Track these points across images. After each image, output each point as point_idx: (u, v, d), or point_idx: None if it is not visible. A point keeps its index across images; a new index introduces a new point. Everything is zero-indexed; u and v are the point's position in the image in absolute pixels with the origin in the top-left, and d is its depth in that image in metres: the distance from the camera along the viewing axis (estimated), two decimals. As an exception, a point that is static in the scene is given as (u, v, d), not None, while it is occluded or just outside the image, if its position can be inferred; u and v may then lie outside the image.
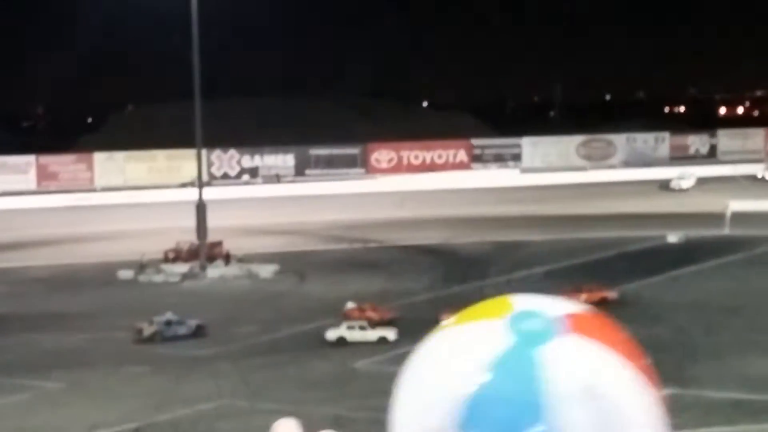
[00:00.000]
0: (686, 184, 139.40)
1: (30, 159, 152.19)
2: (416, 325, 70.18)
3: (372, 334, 67.59)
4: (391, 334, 67.50)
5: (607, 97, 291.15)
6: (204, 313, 75.99)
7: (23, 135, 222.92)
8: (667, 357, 61.68)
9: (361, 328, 67.94)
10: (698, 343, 65.44)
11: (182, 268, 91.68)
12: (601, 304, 73.17)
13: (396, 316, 71.81)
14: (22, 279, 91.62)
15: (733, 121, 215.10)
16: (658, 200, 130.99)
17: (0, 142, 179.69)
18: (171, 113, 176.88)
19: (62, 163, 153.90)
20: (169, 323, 70.43)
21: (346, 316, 72.23)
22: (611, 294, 76.60)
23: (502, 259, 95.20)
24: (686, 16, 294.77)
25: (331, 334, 67.66)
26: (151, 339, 69.26)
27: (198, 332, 70.99)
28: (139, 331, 69.92)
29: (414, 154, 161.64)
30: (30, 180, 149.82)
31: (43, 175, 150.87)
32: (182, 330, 70.44)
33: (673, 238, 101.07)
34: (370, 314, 71.81)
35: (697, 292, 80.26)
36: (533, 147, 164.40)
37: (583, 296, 74.30)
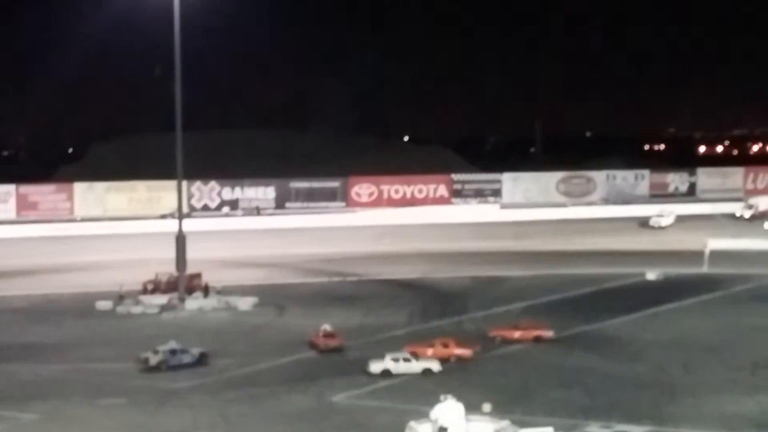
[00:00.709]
0: (665, 221, 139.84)
1: (10, 188, 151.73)
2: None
3: (417, 366, 67.28)
4: (435, 365, 67.53)
5: (588, 134, 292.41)
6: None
7: (3, 164, 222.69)
8: (645, 394, 62.09)
9: (405, 360, 67.58)
10: (676, 381, 65.37)
11: (161, 299, 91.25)
12: (537, 342, 73.90)
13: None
14: (0, 308, 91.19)
15: (712, 160, 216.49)
16: (638, 237, 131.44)
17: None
18: (152, 144, 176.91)
19: (42, 193, 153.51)
20: (173, 352, 70.40)
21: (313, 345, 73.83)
22: (546, 333, 76.31)
23: (481, 294, 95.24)
24: (667, 55, 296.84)
25: (376, 367, 67.10)
26: (158, 368, 69.19)
27: (201, 360, 71.00)
28: (145, 360, 69.77)
29: (394, 188, 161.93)
30: (9, 209, 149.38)
31: (22, 204, 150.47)
32: (186, 358, 70.48)
33: (651, 275, 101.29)
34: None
35: (676, 329, 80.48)
36: (513, 183, 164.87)
37: (518, 333, 74.95)
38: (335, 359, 71.77)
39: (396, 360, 67.45)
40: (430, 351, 69.79)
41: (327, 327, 76.14)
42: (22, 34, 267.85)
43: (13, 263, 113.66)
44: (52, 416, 59.02)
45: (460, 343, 71.46)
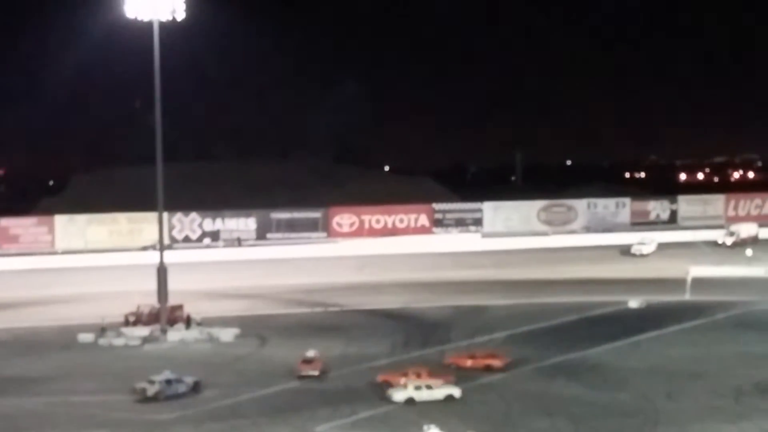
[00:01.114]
0: (647, 249, 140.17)
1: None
2: (376, 391, 70.20)
3: (439, 393, 68.05)
4: (456, 391, 68.38)
5: (568, 162, 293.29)
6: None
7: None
8: (629, 422, 62.13)
9: (428, 387, 68.22)
10: (660, 409, 65.48)
11: (143, 331, 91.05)
12: (487, 371, 74.14)
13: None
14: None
15: (693, 187, 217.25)
16: (619, 265, 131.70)
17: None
18: (132, 177, 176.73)
19: (23, 226, 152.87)
20: (169, 382, 70.53)
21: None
22: (496, 362, 76.12)
23: (463, 323, 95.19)
24: (647, 83, 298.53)
25: (399, 396, 67.53)
26: (155, 398, 69.22)
27: (196, 388, 71.23)
28: (143, 391, 69.75)
29: (375, 218, 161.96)
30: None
31: (3, 237, 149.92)
32: (182, 388, 70.71)
33: (634, 303, 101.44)
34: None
35: (659, 357, 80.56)
36: (494, 211, 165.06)
37: (470, 362, 74.93)
38: (317, 389, 71.61)
39: (418, 388, 67.74)
40: (402, 380, 69.87)
41: (309, 353, 76.80)
42: (0, 66, 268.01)
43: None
44: (35, 450, 58.81)
45: (432, 373, 71.38)
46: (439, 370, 73.38)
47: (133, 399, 69.58)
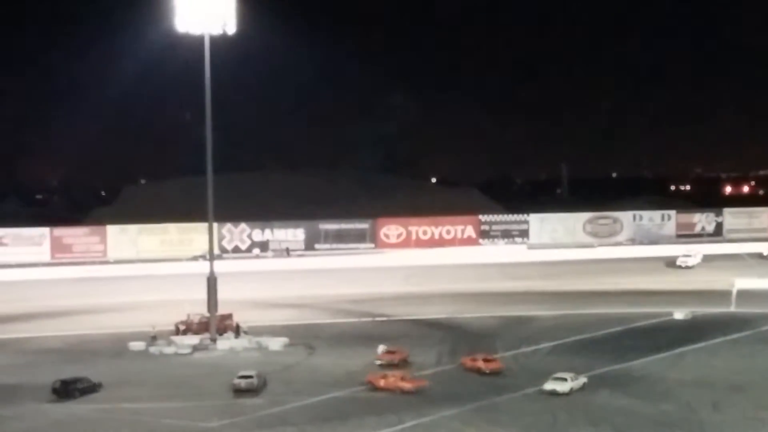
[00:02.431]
0: (692, 261, 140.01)
1: (44, 231, 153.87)
2: (422, 400, 70.96)
3: (577, 383, 73.79)
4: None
5: (614, 175, 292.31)
6: (212, 385, 76.78)
7: (37, 207, 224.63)
8: (673, 433, 62.41)
9: (572, 379, 73.67)
10: (705, 420, 65.80)
11: (193, 340, 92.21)
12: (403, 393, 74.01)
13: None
14: (35, 349, 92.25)
15: (738, 200, 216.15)
16: (665, 277, 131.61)
17: (15, 214, 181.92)
18: (182, 187, 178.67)
19: (76, 236, 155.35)
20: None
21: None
22: (407, 386, 74.58)
23: (509, 333, 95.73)
24: (692, 95, 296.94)
25: (548, 386, 73.32)
26: (255, 390, 74.67)
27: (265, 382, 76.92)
28: (238, 385, 74.91)
29: (422, 229, 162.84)
30: (44, 252, 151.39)
31: (57, 247, 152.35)
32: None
33: (679, 315, 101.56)
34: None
35: (704, 369, 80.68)
36: (540, 223, 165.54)
37: (383, 382, 75.47)
38: (364, 398, 72.44)
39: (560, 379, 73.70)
40: (382, 382, 74.33)
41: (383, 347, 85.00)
42: (55, 78, 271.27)
43: (47, 304, 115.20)
44: (87, 455, 59.96)
45: (405, 377, 75.49)
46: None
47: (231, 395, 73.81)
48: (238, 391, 74.38)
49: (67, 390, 73.97)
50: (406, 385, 74.61)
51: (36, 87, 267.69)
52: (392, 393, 73.24)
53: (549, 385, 73.49)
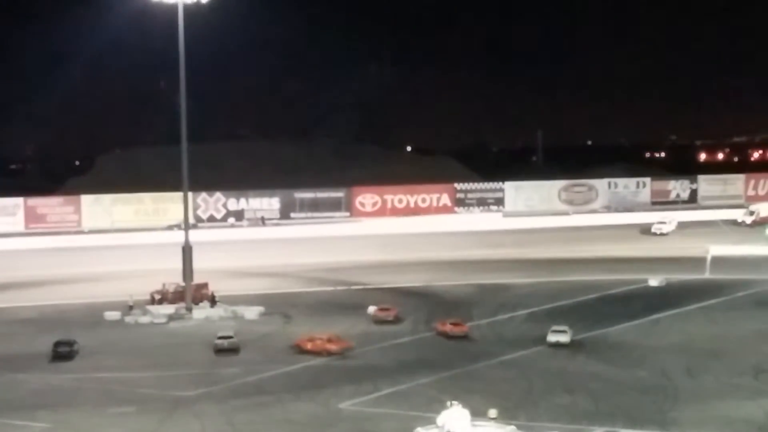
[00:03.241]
0: (667, 228, 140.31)
1: (18, 201, 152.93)
2: (398, 368, 71.16)
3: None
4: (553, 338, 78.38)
5: (589, 142, 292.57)
6: (188, 354, 76.75)
7: (11, 177, 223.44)
8: (649, 399, 62.78)
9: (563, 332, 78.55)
10: (680, 386, 66.12)
11: (168, 309, 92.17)
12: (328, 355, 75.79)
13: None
14: (9, 320, 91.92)
15: (713, 167, 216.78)
16: (640, 244, 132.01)
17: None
18: (157, 157, 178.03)
19: (50, 206, 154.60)
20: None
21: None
22: (333, 347, 76.59)
23: (485, 301, 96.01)
24: (666, 62, 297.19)
25: (552, 338, 77.84)
26: (234, 350, 77.58)
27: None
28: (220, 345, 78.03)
29: (398, 197, 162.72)
30: (18, 222, 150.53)
31: (31, 217, 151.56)
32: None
33: (654, 281, 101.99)
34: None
35: (679, 335, 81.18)
36: (516, 191, 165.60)
37: (310, 345, 77.02)
38: (340, 366, 72.55)
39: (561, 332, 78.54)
40: (309, 345, 76.62)
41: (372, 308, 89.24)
42: (27, 47, 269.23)
43: (22, 275, 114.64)
44: (62, 425, 59.86)
45: (334, 339, 77.30)
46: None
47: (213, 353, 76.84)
48: (221, 351, 76.96)
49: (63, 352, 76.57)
50: (333, 347, 76.40)
51: (8, 55, 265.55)
52: (320, 355, 75.29)
53: (552, 338, 77.44)
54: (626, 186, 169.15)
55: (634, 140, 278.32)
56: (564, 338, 77.59)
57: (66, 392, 67.27)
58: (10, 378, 71.02)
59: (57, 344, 77.34)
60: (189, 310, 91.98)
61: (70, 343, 77.93)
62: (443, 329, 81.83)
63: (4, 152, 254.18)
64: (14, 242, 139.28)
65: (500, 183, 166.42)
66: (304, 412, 61.74)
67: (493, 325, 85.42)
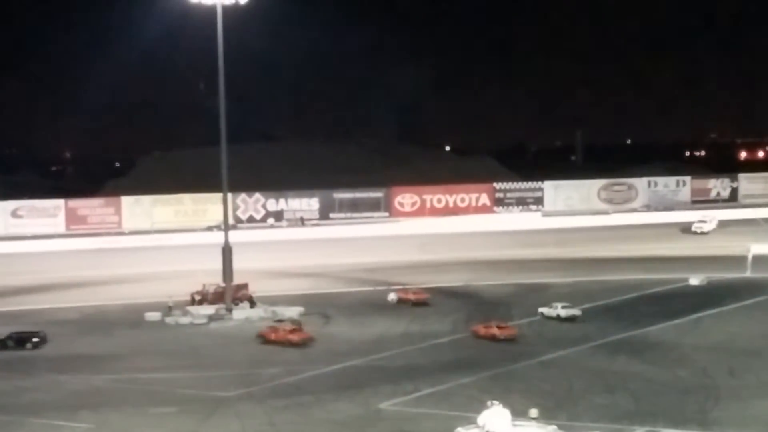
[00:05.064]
0: (708, 227, 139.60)
1: (59, 203, 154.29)
2: (437, 368, 70.99)
3: (553, 312, 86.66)
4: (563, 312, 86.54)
5: (628, 141, 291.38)
6: (228, 355, 76.99)
7: (52, 179, 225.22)
8: (690, 399, 62.27)
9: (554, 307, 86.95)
10: (721, 385, 65.51)
11: (208, 310, 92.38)
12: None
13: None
14: (51, 320, 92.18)
15: (753, 165, 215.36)
16: (680, 243, 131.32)
17: (30, 186, 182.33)
18: (197, 158, 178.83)
19: (91, 207, 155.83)
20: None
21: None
22: (294, 337, 79.79)
23: (524, 301, 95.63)
24: (708, 61, 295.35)
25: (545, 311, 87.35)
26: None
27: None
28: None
29: (437, 197, 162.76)
30: (59, 223, 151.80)
31: (72, 218, 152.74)
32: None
33: (695, 280, 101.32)
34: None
35: (720, 334, 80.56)
36: (555, 190, 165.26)
37: (273, 335, 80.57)
38: (380, 366, 72.54)
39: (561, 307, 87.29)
40: (273, 335, 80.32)
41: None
42: (66, 50, 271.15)
43: (63, 276, 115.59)
44: (103, 425, 60.04)
45: (295, 330, 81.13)
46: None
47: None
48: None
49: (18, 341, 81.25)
50: (294, 338, 79.02)
51: (51, 58, 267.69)
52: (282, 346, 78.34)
53: (559, 312, 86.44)
54: (666, 185, 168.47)
55: (674, 139, 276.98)
56: (569, 312, 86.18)
57: (107, 393, 67.47)
58: (52, 379, 71.41)
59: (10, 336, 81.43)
60: (229, 310, 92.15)
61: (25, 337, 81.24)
62: (489, 332, 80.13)
63: (45, 154, 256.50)
64: (55, 243, 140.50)
65: (539, 182, 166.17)
66: (344, 412, 61.68)
67: (532, 324, 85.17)
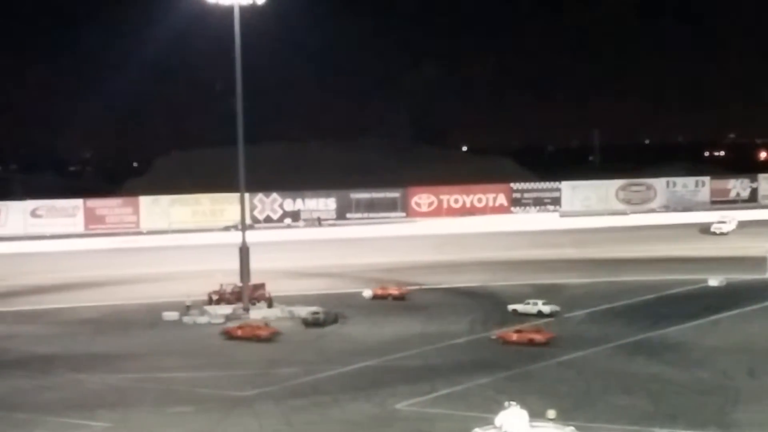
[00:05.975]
0: (727, 228, 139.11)
1: (78, 203, 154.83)
2: (454, 369, 70.84)
3: (533, 308, 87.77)
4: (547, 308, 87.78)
5: (647, 141, 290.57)
6: (245, 354, 77.00)
7: (70, 179, 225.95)
8: (709, 400, 61.97)
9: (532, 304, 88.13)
10: (741, 387, 65.18)
11: (226, 309, 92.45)
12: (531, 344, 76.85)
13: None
14: (69, 320, 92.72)
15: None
16: (699, 244, 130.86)
17: (49, 186, 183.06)
18: (214, 158, 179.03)
19: (109, 207, 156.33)
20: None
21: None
22: (539, 336, 77.90)
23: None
24: (727, 60, 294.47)
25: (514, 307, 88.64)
26: (322, 323, 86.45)
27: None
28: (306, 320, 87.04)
29: (454, 197, 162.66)
30: (78, 223, 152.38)
31: (90, 218, 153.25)
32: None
33: (714, 281, 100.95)
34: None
35: (739, 335, 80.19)
36: (573, 191, 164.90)
37: (515, 336, 78.28)
38: (397, 367, 72.43)
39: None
40: (239, 331, 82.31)
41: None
42: (84, 51, 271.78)
43: (81, 275, 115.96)
44: (121, 424, 60.14)
45: (264, 327, 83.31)
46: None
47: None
48: (306, 324, 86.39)
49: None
50: (262, 333, 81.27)
51: (67, 58, 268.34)
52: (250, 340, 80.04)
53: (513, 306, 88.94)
54: (685, 185, 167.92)
55: (693, 139, 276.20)
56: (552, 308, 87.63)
57: (125, 392, 67.59)
58: (71, 378, 71.60)
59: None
60: (246, 310, 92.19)
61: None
62: (525, 337, 78.12)
63: (63, 154, 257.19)
64: (74, 243, 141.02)
65: (557, 183, 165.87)
66: (361, 412, 61.60)
67: (549, 325, 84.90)
